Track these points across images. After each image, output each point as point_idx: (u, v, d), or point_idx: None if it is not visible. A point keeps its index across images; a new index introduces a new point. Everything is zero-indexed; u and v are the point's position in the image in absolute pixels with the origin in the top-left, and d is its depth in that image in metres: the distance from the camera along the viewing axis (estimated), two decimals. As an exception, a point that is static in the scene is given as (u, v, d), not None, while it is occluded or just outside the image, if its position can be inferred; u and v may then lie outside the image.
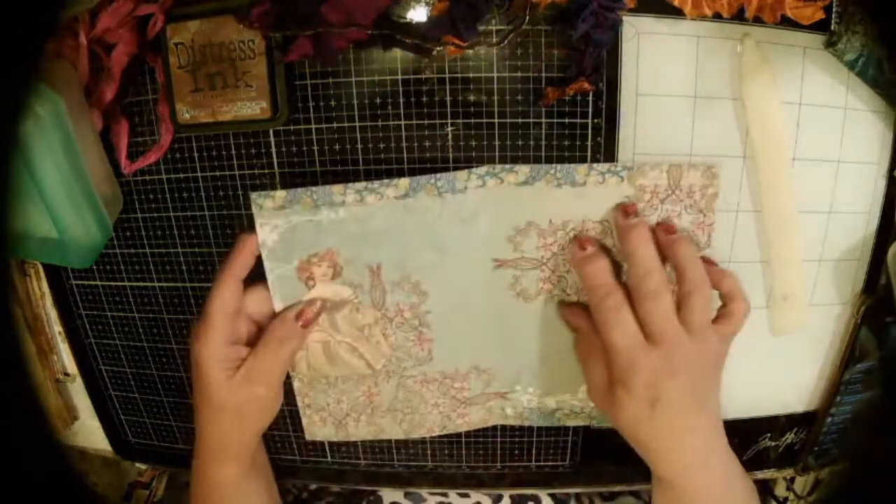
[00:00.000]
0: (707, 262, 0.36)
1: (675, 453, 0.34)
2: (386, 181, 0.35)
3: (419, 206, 0.35)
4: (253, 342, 0.37)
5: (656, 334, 0.32)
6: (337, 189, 0.35)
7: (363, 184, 0.35)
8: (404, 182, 0.35)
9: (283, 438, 0.48)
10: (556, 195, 0.36)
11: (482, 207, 0.36)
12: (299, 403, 0.42)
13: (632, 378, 0.32)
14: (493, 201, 0.36)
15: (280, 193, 0.35)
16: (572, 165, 0.35)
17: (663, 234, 0.34)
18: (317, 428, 0.43)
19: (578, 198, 0.36)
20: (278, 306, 0.38)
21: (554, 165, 0.35)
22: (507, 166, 0.35)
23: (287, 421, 0.47)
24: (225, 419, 0.37)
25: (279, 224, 0.36)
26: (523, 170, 0.35)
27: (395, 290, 0.38)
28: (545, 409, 0.43)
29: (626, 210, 0.35)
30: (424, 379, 0.41)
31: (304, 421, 0.42)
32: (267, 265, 0.37)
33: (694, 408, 0.33)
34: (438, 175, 0.35)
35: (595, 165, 0.36)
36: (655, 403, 0.32)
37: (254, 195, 0.35)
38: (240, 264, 0.36)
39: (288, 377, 0.40)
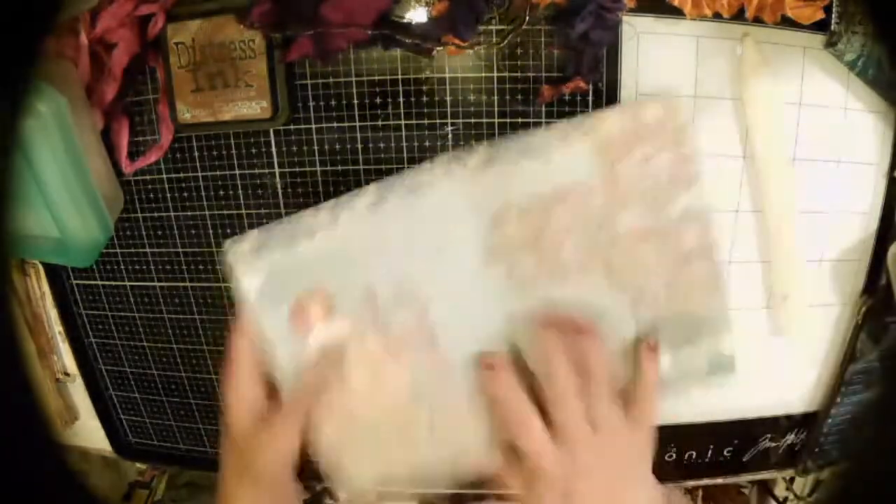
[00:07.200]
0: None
1: None
2: (353, 193, 0.34)
3: (393, 212, 0.34)
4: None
5: (561, 436, 0.32)
6: (307, 213, 0.34)
7: (331, 202, 0.34)
8: (372, 189, 0.34)
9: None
10: (522, 169, 0.34)
11: (455, 198, 0.35)
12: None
13: (539, 483, 0.32)
14: (464, 189, 0.35)
15: (253, 234, 0.34)
16: (527, 133, 0.34)
17: (572, 334, 0.33)
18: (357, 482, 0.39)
19: (546, 165, 0.35)
20: (282, 358, 0.36)
21: (510, 138, 0.34)
22: (466, 150, 0.34)
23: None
24: (235, 459, 0.37)
25: (261, 268, 0.34)
26: (482, 150, 0.34)
27: (395, 308, 0.36)
28: None
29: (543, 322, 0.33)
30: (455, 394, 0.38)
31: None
32: (258, 314, 0.35)
33: (615, 501, 0.33)
34: (403, 175, 0.34)
35: (551, 128, 0.34)
36: (569, 500, 0.31)
37: (227, 243, 0.33)
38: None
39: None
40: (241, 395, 0.35)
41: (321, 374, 0.36)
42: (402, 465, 0.40)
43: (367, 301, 0.36)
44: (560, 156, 0.35)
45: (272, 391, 0.36)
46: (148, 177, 0.43)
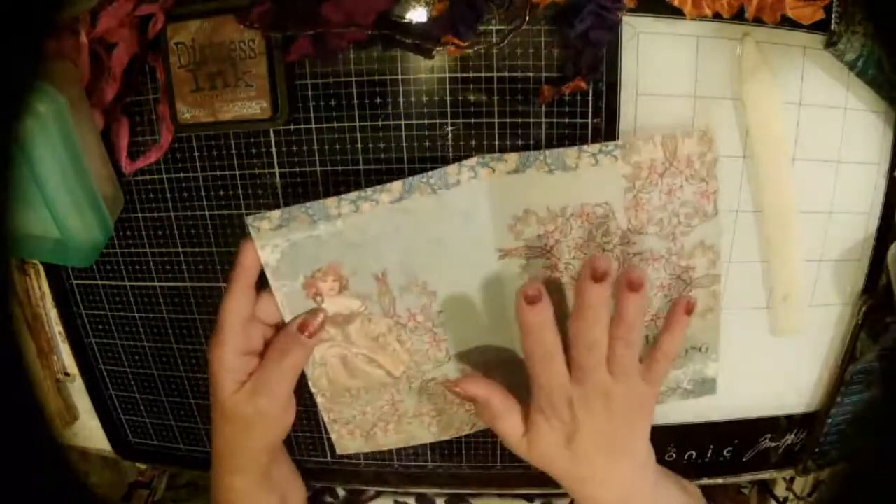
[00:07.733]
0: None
1: (595, 490, 0.35)
2: (378, 187, 0.35)
3: (415, 207, 0.35)
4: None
5: (581, 375, 0.33)
6: (331, 202, 0.35)
7: (356, 193, 0.35)
8: (397, 185, 0.35)
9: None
10: (549, 181, 0.35)
11: (478, 199, 0.36)
12: (325, 419, 0.42)
13: (549, 407, 0.33)
14: (489, 191, 0.35)
15: (275, 213, 0.35)
16: (561, 149, 0.35)
17: (621, 287, 0.32)
18: (346, 441, 0.42)
19: (573, 181, 0.35)
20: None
21: (543, 151, 0.34)
22: (497, 155, 0.35)
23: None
24: (232, 430, 0.37)
25: (279, 244, 0.35)
26: (513, 157, 0.35)
27: (404, 295, 0.37)
28: None
29: (595, 272, 0.31)
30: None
31: (333, 436, 0.42)
32: (273, 284, 0.36)
33: (615, 448, 0.34)
34: (430, 173, 0.35)
35: (585, 147, 0.35)
36: (573, 435, 0.33)
37: (249, 219, 0.35)
38: (245, 270, 0.35)
39: (309, 391, 0.40)
40: (227, 365, 0.35)
41: (289, 337, 0.36)
42: (388, 433, 0.42)
43: (379, 285, 0.37)
44: (588, 174, 0.35)
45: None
46: (148, 177, 0.43)
